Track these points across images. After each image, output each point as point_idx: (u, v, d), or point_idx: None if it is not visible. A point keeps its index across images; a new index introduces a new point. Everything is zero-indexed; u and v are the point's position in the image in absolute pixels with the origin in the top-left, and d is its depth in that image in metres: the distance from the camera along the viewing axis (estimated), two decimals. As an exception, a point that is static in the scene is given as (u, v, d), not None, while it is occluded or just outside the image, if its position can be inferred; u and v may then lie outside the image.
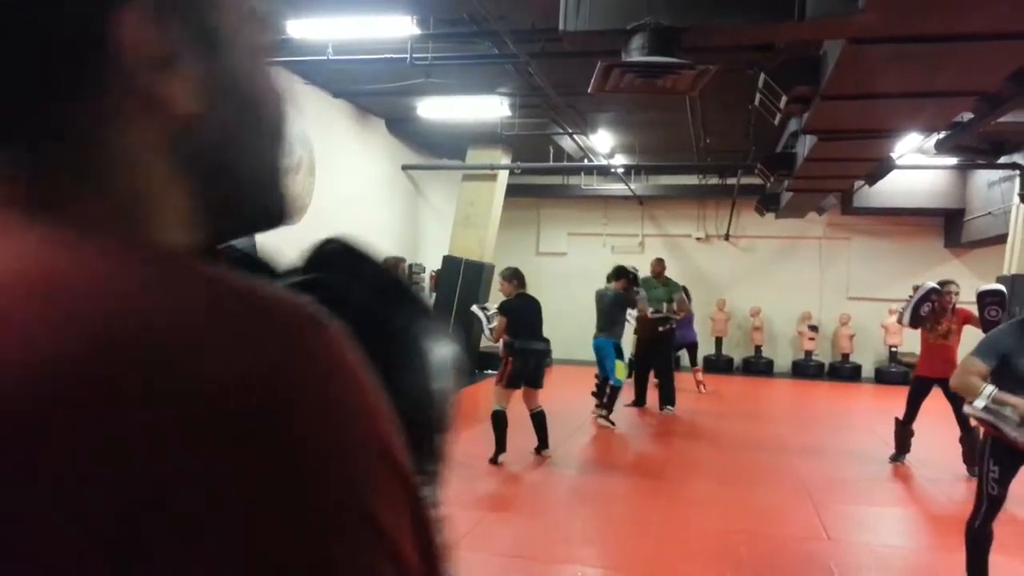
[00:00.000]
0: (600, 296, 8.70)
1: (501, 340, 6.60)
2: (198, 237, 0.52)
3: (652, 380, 9.72)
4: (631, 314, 9.32)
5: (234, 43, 0.53)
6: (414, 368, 0.56)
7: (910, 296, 6.84)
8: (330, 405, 0.39)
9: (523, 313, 6.60)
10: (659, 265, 10.11)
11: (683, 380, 10.34)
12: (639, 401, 9.71)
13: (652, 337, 9.45)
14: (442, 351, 0.59)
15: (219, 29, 0.52)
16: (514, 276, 6.77)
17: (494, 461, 6.34)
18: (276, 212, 0.61)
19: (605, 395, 8.51)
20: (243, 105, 0.54)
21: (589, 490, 5.87)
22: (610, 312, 8.53)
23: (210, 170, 0.52)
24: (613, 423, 8.35)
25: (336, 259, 0.64)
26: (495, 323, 6.70)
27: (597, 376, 8.82)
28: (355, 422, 0.40)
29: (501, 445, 6.40)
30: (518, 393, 6.56)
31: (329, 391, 0.39)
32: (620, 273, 8.76)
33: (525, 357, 6.51)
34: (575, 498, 5.62)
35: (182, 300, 0.39)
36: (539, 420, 6.72)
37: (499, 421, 6.41)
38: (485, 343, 13.39)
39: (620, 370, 8.37)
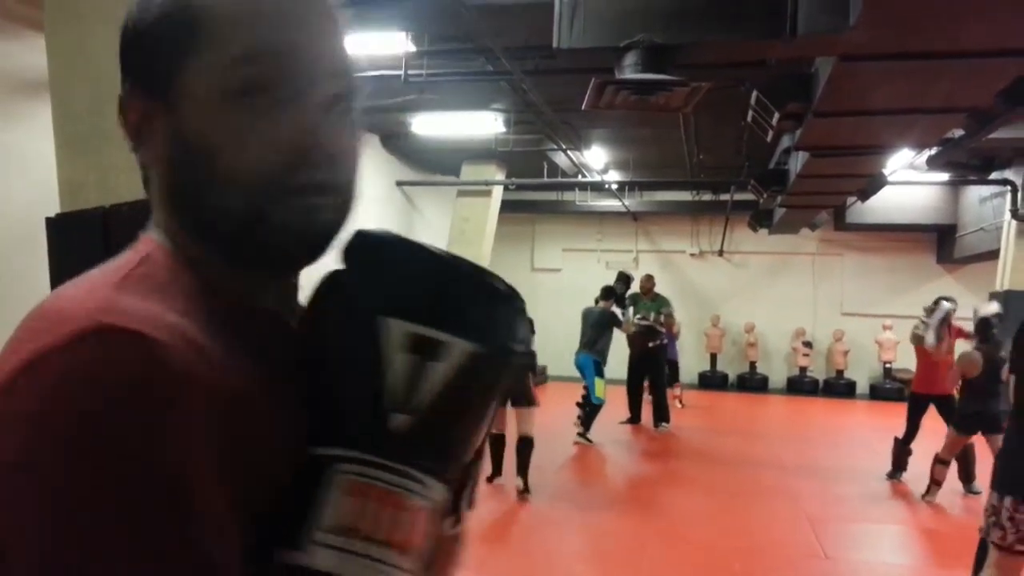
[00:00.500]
0: (586, 314, 8.79)
1: None
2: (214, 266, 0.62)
3: (647, 397, 9.71)
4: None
5: (194, 100, 0.60)
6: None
7: (925, 318, 6.73)
8: None
9: None
10: (648, 282, 10.12)
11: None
12: (634, 418, 9.68)
13: (642, 354, 9.47)
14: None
15: (179, 93, 0.61)
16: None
17: (488, 480, 6.07)
18: (279, 251, 0.63)
19: (583, 412, 8.58)
20: (192, 154, 0.60)
21: (583, 506, 5.84)
22: (593, 330, 8.60)
23: (175, 208, 0.63)
24: (590, 440, 8.35)
25: (364, 254, 0.68)
26: None
27: (584, 389, 8.84)
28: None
29: (495, 466, 6.12)
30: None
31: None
32: (607, 293, 8.88)
33: None
34: (569, 514, 5.58)
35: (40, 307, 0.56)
36: (523, 446, 6.11)
37: (493, 444, 5.99)
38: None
39: (600, 388, 8.32)
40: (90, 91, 4.05)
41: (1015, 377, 3.20)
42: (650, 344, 9.42)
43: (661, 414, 9.41)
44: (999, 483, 3.14)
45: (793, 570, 4.60)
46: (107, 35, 3.70)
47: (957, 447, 6.09)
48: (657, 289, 10.15)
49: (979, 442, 5.97)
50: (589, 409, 8.48)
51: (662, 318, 9.56)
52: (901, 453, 6.85)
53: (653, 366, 9.55)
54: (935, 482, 6.20)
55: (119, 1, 3.47)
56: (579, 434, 8.45)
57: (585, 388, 8.72)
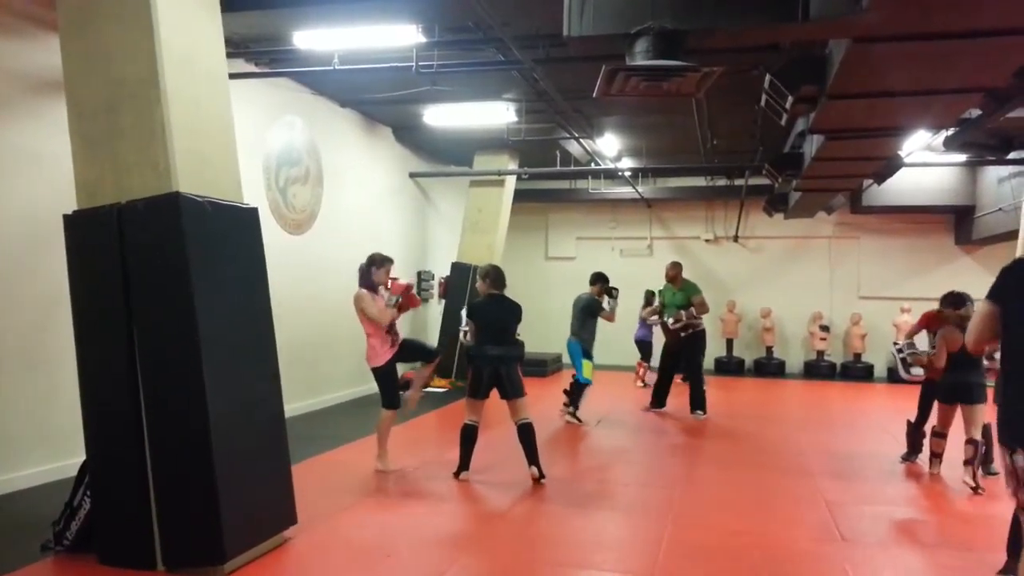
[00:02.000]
0: (576, 301, 8.90)
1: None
2: None
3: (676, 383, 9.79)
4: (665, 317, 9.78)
5: None
6: None
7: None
8: None
9: (485, 315, 6.13)
10: (672, 269, 10.00)
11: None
12: (658, 403, 9.75)
13: (675, 342, 9.62)
14: None
15: None
16: (486, 275, 6.28)
17: (456, 475, 6.05)
18: None
19: (571, 393, 8.94)
20: None
21: (596, 492, 5.85)
22: (579, 316, 8.76)
23: None
24: (580, 420, 8.77)
25: None
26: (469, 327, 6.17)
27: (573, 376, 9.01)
28: None
29: (463, 461, 6.07)
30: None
31: None
32: (595, 279, 9.04)
33: (479, 364, 6.04)
34: (583, 500, 5.60)
35: None
36: (524, 433, 6.06)
37: (465, 435, 6.07)
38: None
39: (587, 369, 8.67)
40: (105, 90, 4.09)
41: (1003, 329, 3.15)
42: (682, 334, 9.53)
43: (697, 402, 9.46)
44: (1004, 438, 3.08)
45: (809, 553, 4.59)
46: (121, 36, 3.82)
47: (946, 418, 6.39)
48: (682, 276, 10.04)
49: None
50: (576, 388, 8.85)
51: (693, 311, 9.49)
52: (915, 435, 6.92)
53: (687, 354, 9.61)
54: (935, 455, 6.54)
55: (131, 4, 3.58)
56: (569, 413, 8.87)
57: (573, 375, 8.95)
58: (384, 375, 6.30)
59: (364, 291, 6.25)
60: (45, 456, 5.79)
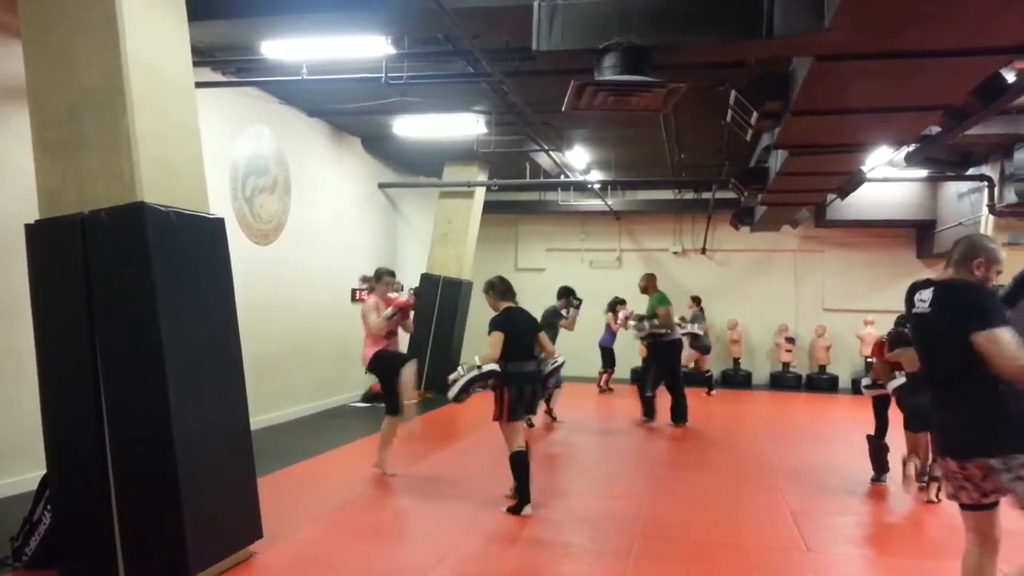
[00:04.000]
0: (543, 313, 8.99)
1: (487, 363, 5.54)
2: None
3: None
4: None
5: None
6: None
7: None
8: None
9: (517, 328, 5.70)
10: (642, 281, 10.21)
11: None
12: (647, 415, 9.81)
13: (649, 353, 9.93)
14: None
15: None
16: (492, 287, 5.95)
17: (516, 511, 5.46)
18: None
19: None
20: None
21: (565, 502, 5.86)
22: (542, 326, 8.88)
23: None
24: (555, 417, 9.36)
25: None
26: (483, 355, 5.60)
27: None
28: None
29: (525, 493, 5.52)
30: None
31: None
32: (561, 293, 9.39)
33: (521, 382, 5.57)
34: (551, 510, 5.60)
35: None
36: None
37: (519, 464, 5.52)
38: (465, 359, 13.38)
39: None
40: (69, 98, 4.03)
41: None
42: (643, 343, 9.91)
43: (678, 413, 9.56)
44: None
45: (775, 563, 4.64)
46: (86, 43, 3.77)
47: (917, 444, 6.06)
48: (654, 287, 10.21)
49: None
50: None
51: (656, 322, 9.60)
52: (878, 450, 6.75)
53: (658, 364, 9.73)
54: (933, 479, 5.99)
55: (96, 10, 3.54)
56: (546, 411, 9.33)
57: None
58: (381, 371, 6.59)
59: (370, 300, 6.67)
60: (3, 470, 5.66)
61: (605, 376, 13.20)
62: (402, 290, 6.82)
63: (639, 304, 10.73)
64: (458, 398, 5.52)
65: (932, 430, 3.37)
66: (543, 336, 5.90)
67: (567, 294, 9.21)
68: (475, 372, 5.46)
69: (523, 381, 5.58)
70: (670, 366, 9.72)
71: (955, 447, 3.12)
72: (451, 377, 5.56)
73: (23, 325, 4.42)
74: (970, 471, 3.05)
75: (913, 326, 3.37)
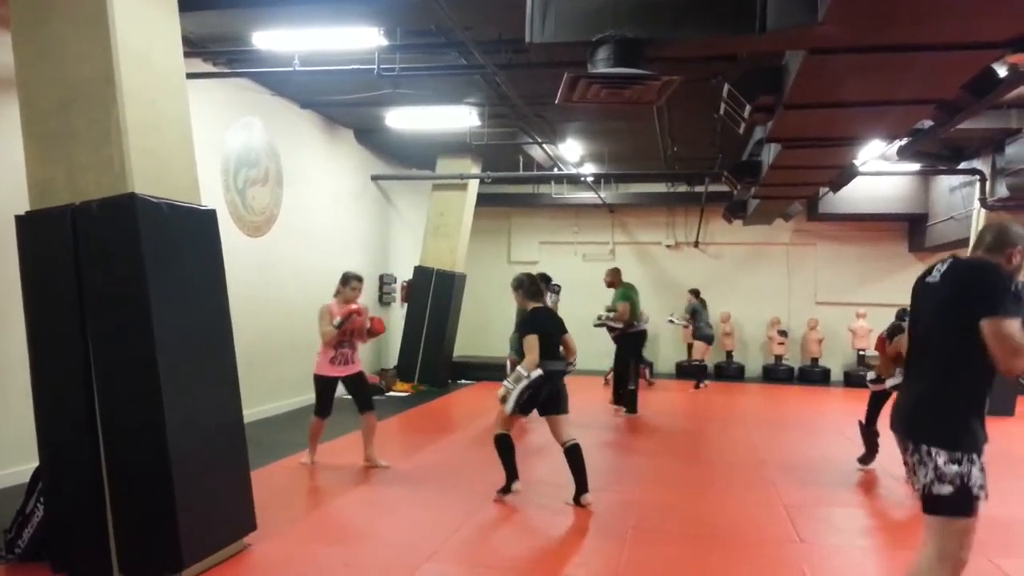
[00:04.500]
0: None
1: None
2: None
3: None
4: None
5: None
6: None
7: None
8: None
9: (545, 328, 5.65)
10: (608, 275, 10.52)
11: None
12: (628, 408, 9.96)
13: (620, 346, 10.15)
14: None
15: None
16: (520, 285, 5.87)
17: (505, 491, 5.64)
18: None
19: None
20: None
21: (558, 494, 5.87)
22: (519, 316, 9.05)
23: None
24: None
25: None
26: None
27: None
28: None
29: (511, 471, 5.67)
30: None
31: None
32: (539, 279, 9.41)
33: (540, 381, 5.49)
34: (545, 505, 5.61)
35: None
36: (574, 455, 5.58)
37: (504, 445, 5.64)
38: (460, 352, 13.40)
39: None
40: (59, 89, 4.01)
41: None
42: (612, 336, 10.15)
43: (621, 398, 10.02)
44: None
45: (769, 555, 4.67)
46: (76, 34, 3.74)
47: None
48: (634, 281, 10.61)
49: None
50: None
51: (612, 315, 10.04)
52: (870, 435, 6.92)
53: (618, 354, 10.18)
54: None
55: (87, 1, 3.51)
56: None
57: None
58: (318, 385, 6.54)
59: (326, 305, 6.52)
60: (-6, 463, 5.65)
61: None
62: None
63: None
64: (514, 412, 5.52)
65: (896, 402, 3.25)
66: (569, 337, 5.82)
67: (544, 281, 9.23)
68: (525, 382, 5.44)
69: (541, 379, 5.49)
70: (625, 354, 10.06)
71: (902, 425, 3.05)
72: (500, 394, 5.51)
73: (13, 317, 4.40)
74: (908, 454, 2.98)
75: (915, 294, 3.21)
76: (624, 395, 9.96)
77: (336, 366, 6.44)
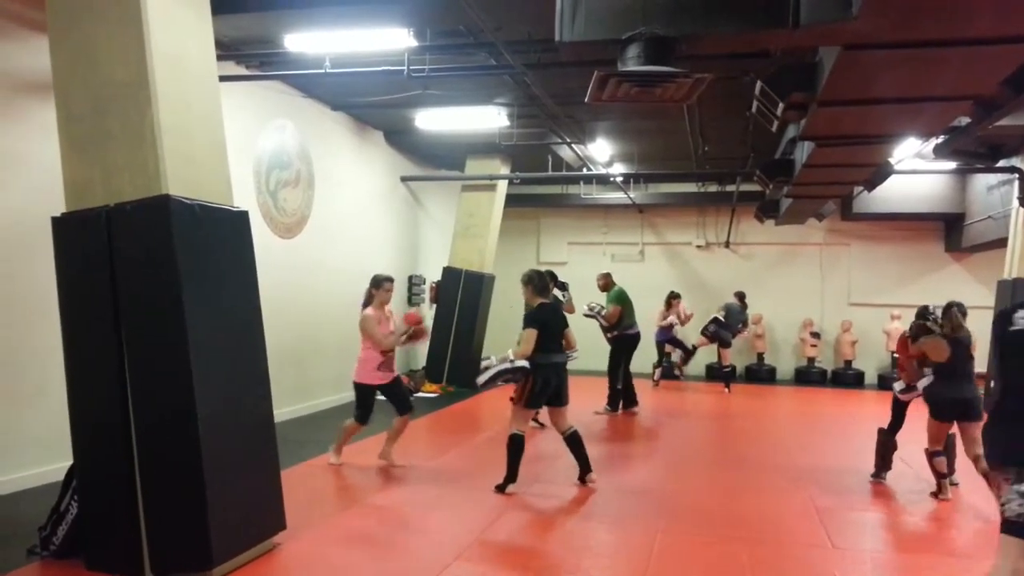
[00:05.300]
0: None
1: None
2: None
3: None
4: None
5: None
6: None
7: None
8: None
9: (548, 322, 5.99)
10: (600, 279, 10.48)
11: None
12: (628, 404, 10.09)
13: (615, 347, 10.15)
14: None
15: None
16: (530, 281, 6.24)
17: (501, 489, 5.83)
18: None
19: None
20: None
21: (586, 495, 5.84)
22: None
23: None
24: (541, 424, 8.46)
25: None
26: (516, 349, 5.89)
27: None
28: None
29: (513, 473, 5.88)
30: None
31: None
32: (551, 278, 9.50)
33: (547, 373, 5.85)
34: (575, 508, 5.59)
35: None
36: (575, 442, 6.11)
37: (516, 446, 5.87)
38: (488, 353, 13.38)
39: None
40: (94, 92, 4.07)
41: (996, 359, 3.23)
42: (607, 336, 10.18)
43: (616, 400, 10.04)
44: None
45: (800, 560, 4.60)
46: (111, 37, 3.80)
47: (940, 435, 5.87)
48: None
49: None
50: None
51: (603, 313, 10.05)
52: (886, 447, 6.61)
53: (610, 355, 10.13)
54: (940, 475, 5.97)
55: (121, 5, 3.56)
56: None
57: None
58: (362, 393, 6.53)
59: (370, 312, 6.51)
60: (32, 460, 5.74)
61: (660, 370, 13.25)
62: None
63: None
64: (485, 385, 5.86)
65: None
66: (570, 332, 6.20)
67: (552, 278, 9.18)
68: (507, 365, 5.76)
69: (550, 372, 5.86)
70: (616, 357, 10.06)
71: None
72: (483, 364, 5.91)
73: (49, 317, 4.47)
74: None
75: (1003, 340, 3.30)
76: (611, 395, 10.04)
77: (382, 372, 6.48)
